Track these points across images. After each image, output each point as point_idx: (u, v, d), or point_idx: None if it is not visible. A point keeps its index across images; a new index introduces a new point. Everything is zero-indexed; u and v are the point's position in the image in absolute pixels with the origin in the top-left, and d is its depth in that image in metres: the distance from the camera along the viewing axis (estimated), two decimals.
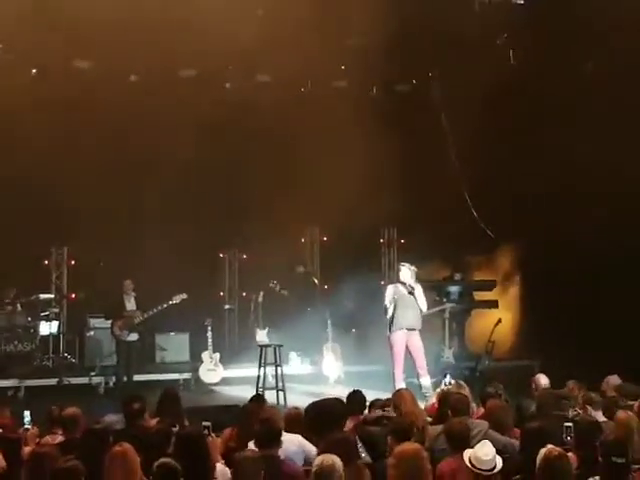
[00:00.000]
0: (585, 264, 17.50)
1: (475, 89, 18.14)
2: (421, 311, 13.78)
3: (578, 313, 17.47)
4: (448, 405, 8.80)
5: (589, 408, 9.05)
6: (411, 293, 13.62)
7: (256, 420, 8.23)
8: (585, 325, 17.16)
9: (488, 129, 18.43)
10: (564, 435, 7.91)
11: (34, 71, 17.61)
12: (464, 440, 7.55)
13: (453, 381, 10.85)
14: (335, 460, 6.55)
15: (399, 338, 13.51)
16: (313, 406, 8.67)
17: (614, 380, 10.52)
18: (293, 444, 7.90)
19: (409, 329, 13.55)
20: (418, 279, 14.00)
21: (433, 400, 10.17)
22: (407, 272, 13.72)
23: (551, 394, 9.71)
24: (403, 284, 13.65)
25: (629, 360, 12.83)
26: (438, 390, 10.81)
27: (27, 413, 9.32)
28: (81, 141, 17.41)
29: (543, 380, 10.91)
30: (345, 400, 9.41)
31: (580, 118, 17.21)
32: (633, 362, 12.38)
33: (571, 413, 9.01)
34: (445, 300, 18.40)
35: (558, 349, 16.18)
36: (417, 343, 13.63)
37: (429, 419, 9.29)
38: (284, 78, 19.14)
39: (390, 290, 13.81)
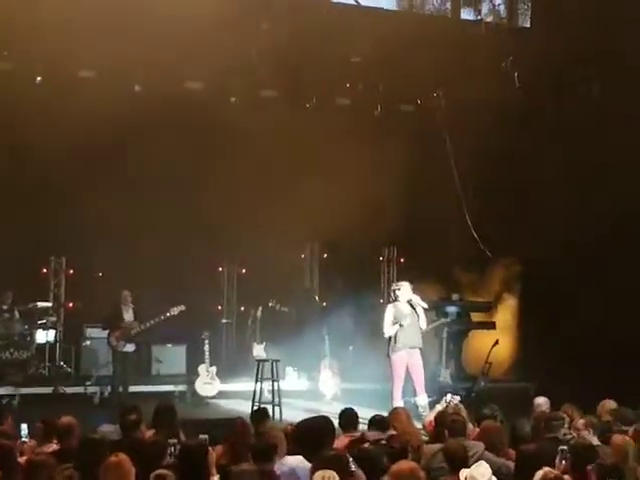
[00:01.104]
0: (584, 285, 17.54)
1: (480, 111, 18.21)
2: (421, 329, 13.75)
3: (575, 336, 17.47)
4: (445, 425, 8.79)
5: (585, 432, 9.03)
6: (414, 308, 13.57)
7: (246, 437, 8.24)
8: (582, 348, 17.16)
9: (492, 151, 18.48)
10: (559, 458, 7.88)
11: (39, 79, 17.60)
12: (462, 460, 7.53)
13: (457, 398, 10.83)
14: (335, 476, 6.55)
15: (400, 358, 13.48)
16: (301, 425, 8.62)
17: (610, 404, 10.49)
18: (299, 467, 7.81)
19: (411, 347, 13.52)
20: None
21: (431, 418, 10.16)
22: (407, 289, 13.70)
23: (546, 416, 9.68)
24: (409, 301, 13.61)
25: (626, 383, 12.80)
26: (438, 406, 10.80)
27: (24, 426, 9.28)
28: (82, 151, 17.39)
29: (541, 402, 10.90)
30: (338, 418, 9.40)
31: (585, 140, 17.26)
32: (630, 385, 12.36)
33: (565, 436, 8.98)
34: (445, 322, 18.46)
35: (555, 371, 16.18)
36: (418, 362, 13.60)
37: (425, 438, 9.29)
38: (289, 94, 19.18)
39: (390, 311, 13.73)
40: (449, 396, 10.97)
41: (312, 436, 8.12)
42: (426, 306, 13.83)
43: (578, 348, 17.25)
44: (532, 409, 10.80)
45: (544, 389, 12.58)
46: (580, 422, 9.20)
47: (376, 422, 9.26)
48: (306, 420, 8.75)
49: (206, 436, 8.11)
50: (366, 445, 8.64)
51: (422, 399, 13.46)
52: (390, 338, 13.63)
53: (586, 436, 8.87)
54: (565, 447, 7.75)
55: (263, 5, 17.84)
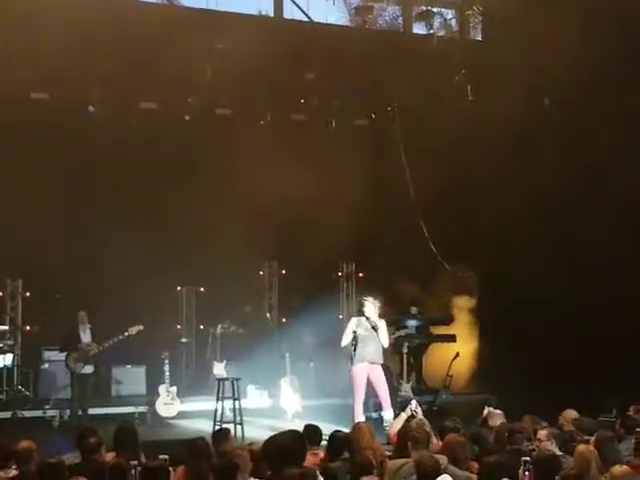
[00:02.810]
0: (542, 296, 17.64)
1: (434, 124, 18.30)
2: (383, 347, 13.73)
3: (535, 347, 17.56)
4: (408, 438, 8.77)
5: (547, 442, 9.04)
6: (374, 328, 13.57)
7: (208, 457, 8.16)
8: (542, 359, 17.24)
9: (447, 163, 18.57)
10: (522, 469, 7.88)
11: None
12: (434, 474, 7.52)
13: (419, 409, 10.85)
14: None
15: (360, 371, 13.46)
16: (269, 442, 8.43)
17: (571, 414, 10.54)
18: None
19: (371, 362, 13.51)
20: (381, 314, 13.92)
21: (395, 428, 10.16)
22: (371, 307, 13.64)
23: (508, 428, 9.69)
24: (367, 319, 13.60)
25: (585, 394, 12.86)
26: (403, 414, 10.79)
27: None
28: (37, 172, 17.30)
29: (497, 415, 10.92)
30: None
31: (541, 149, 17.38)
32: (590, 396, 12.42)
33: (527, 447, 9.00)
34: (404, 334, 18.49)
35: (515, 383, 16.22)
36: (379, 376, 13.57)
37: (389, 453, 9.26)
38: (243, 111, 19.18)
39: (353, 322, 13.72)
40: (414, 404, 10.98)
41: (282, 454, 7.92)
42: (379, 325, 13.76)
43: (538, 359, 17.33)
44: (485, 419, 10.87)
45: (505, 400, 12.61)
46: (542, 433, 9.22)
47: (336, 438, 9.20)
48: (275, 436, 8.27)
49: (166, 456, 8.01)
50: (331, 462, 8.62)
51: (388, 414, 13.41)
52: (352, 353, 13.63)
53: (548, 447, 8.89)
54: (528, 458, 7.76)
55: (216, 24, 17.88)
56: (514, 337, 18.04)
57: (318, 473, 7.77)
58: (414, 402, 11.07)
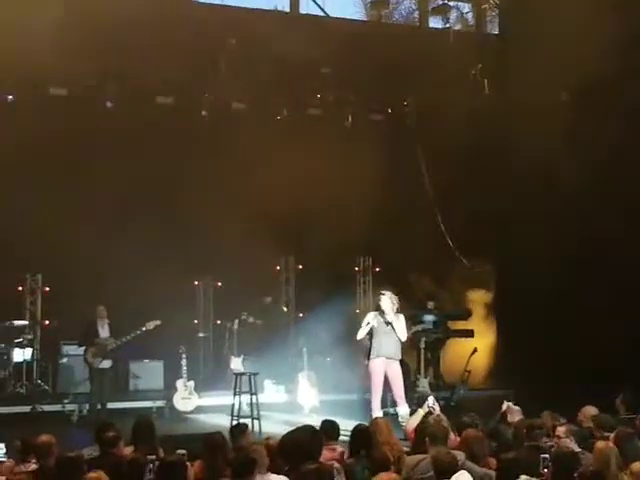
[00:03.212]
0: (562, 293, 17.60)
1: (450, 119, 18.26)
2: (401, 341, 13.69)
3: (553, 343, 17.52)
4: (426, 434, 8.76)
5: (567, 439, 9.01)
6: (389, 324, 13.53)
7: (225, 452, 8.17)
8: (560, 355, 17.20)
9: (463, 158, 18.54)
10: (541, 466, 7.87)
11: (10, 97, 17.57)
12: (452, 469, 7.52)
13: (437, 405, 10.84)
14: None
15: (377, 366, 13.43)
16: (287, 438, 8.47)
17: (590, 410, 10.49)
18: None
19: (388, 358, 13.48)
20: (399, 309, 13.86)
21: (413, 424, 10.14)
22: (388, 302, 13.59)
23: (527, 424, 9.68)
24: (383, 313, 13.57)
25: (604, 389, 12.81)
26: (420, 411, 10.78)
27: (1, 445, 9.19)
28: (55, 168, 17.37)
29: (516, 411, 10.90)
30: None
31: (552, 145, 17.34)
32: (608, 391, 12.37)
33: (546, 444, 8.97)
34: (420, 329, 18.47)
35: (533, 379, 16.18)
36: (396, 372, 13.53)
37: (406, 448, 9.26)
38: (259, 106, 19.18)
39: (370, 316, 13.72)
40: (431, 400, 10.96)
41: (299, 449, 7.96)
42: (395, 319, 13.72)
43: (556, 355, 17.29)
44: (503, 415, 10.85)
45: (523, 396, 12.60)
46: (561, 429, 9.19)
47: (358, 432, 9.20)
48: (292, 432, 8.52)
49: (184, 451, 8.05)
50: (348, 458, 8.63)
51: (403, 409, 13.39)
52: (368, 348, 13.63)
53: (567, 443, 8.86)
54: (547, 455, 7.75)
55: (232, 19, 17.91)
56: (532, 333, 18.00)
57: (335, 469, 7.78)
58: (431, 398, 11.05)
